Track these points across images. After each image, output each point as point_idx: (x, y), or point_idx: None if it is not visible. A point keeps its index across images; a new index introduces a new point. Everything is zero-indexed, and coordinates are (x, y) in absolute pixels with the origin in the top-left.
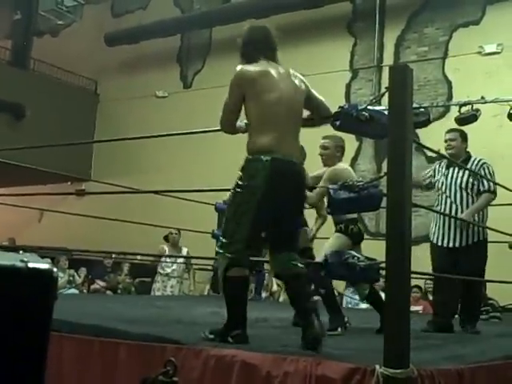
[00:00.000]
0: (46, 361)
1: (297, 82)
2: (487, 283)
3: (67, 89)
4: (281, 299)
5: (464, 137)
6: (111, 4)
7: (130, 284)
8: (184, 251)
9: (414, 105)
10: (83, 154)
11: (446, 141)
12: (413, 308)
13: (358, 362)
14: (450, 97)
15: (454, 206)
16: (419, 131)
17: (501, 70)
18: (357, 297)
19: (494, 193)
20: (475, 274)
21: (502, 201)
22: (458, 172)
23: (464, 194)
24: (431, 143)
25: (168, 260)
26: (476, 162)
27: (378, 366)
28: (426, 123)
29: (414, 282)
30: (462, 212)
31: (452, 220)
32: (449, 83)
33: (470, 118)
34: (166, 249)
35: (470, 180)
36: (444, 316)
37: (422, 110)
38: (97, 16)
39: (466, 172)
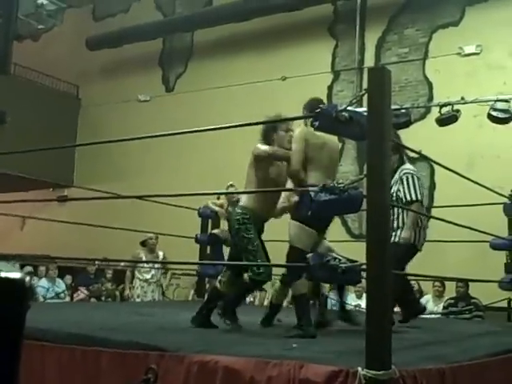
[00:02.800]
0: (18, 368)
1: None
2: (470, 282)
3: (48, 94)
4: (266, 303)
5: (393, 147)
6: (92, 8)
7: (114, 290)
8: (160, 255)
9: (396, 106)
10: (65, 160)
11: None
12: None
13: (340, 364)
14: (430, 98)
15: None
16: (401, 132)
17: (480, 70)
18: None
19: (418, 201)
20: None
21: (482, 200)
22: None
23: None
24: (413, 144)
25: (146, 265)
26: (400, 172)
27: (360, 368)
28: (407, 124)
29: None
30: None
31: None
32: (429, 84)
33: (451, 118)
34: (142, 254)
35: (395, 190)
36: None
37: (403, 111)
38: (78, 20)
39: (394, 182)
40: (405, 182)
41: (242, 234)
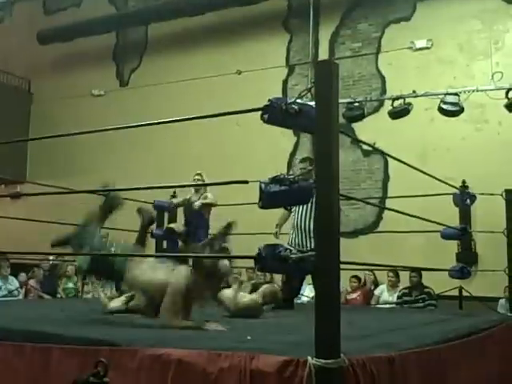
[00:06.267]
0: None
1: None
2: (423, 272)
3: None
4: None
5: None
6: (43, 1)
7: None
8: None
9: (349, 99)
10: (17, 155)
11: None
12: (351, 296)
13: (291, 354)
14: (383, 91)
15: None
16: (355, 125)
17: (431, 64)
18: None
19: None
20: None
21: (435, 191)
22: None
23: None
24: (366, 137)
25: None
26: None
27: (310, 358)
28: (360, 117)
29: (352, 273)
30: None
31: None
32: (382, 78)
33: (403, 111)
34: None
35: None
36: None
37: (357, 104)
38: (28, 13)
39: None
40: None
41: None
